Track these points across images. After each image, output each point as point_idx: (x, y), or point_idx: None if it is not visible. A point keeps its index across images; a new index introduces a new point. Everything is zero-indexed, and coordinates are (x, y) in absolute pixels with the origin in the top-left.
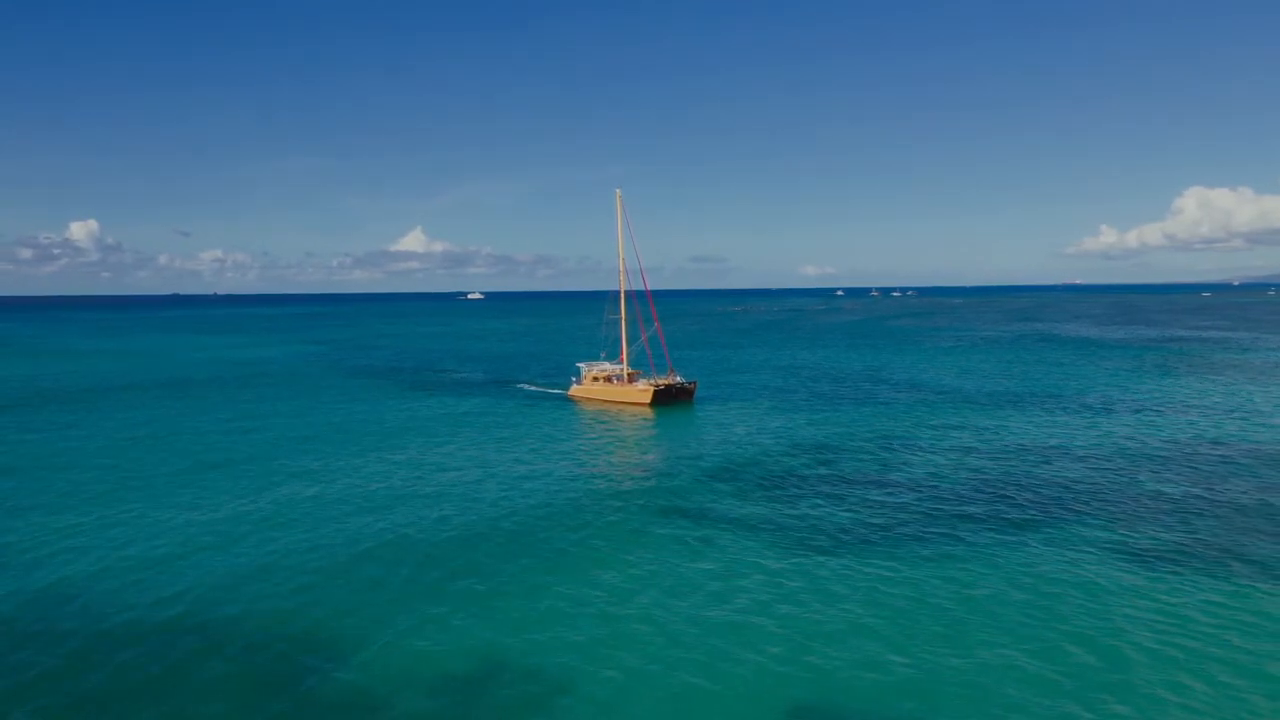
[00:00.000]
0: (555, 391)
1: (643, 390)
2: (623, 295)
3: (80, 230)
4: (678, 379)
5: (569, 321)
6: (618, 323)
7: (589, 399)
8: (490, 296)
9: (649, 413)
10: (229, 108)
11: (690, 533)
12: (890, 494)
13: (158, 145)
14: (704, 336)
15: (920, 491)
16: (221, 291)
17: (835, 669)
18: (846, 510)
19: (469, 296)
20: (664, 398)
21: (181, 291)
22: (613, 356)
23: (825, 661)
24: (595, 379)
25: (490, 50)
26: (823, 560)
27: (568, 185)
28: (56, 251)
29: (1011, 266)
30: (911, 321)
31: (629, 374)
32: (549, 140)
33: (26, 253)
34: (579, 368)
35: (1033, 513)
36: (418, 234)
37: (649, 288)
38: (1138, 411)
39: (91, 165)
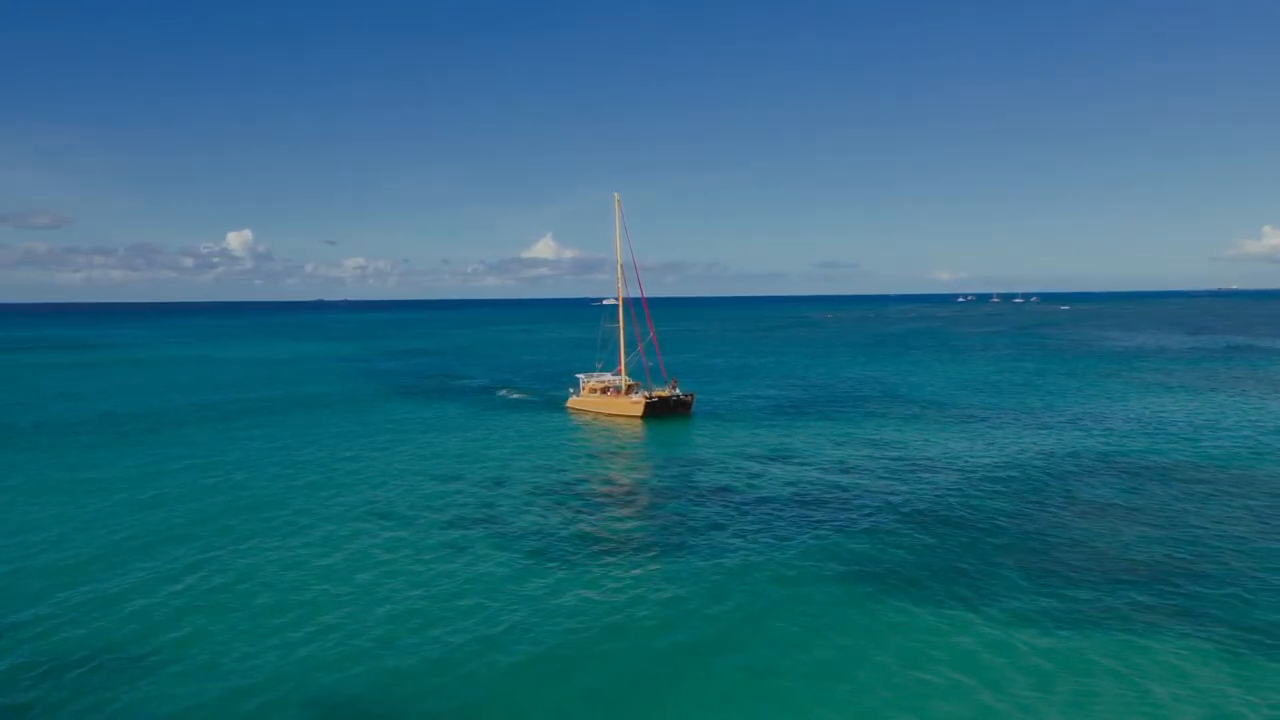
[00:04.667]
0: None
1: (635, 403)
2: (620, 303)
3: (236, 239)
4: (676, 391)
5: (676, 325)
6: (615, 331)
7: (585, 411)
8: (624, 303)
9: (640, 425)
10: (374, 118)
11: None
12: (824, 520)
13: (308, 156)
14: (752, 346)
15: (853, 515)
16: (354, 298)
17: None
18: (766, 543)
19: (604, 302)
20: (658, 410)
21: (325, 298)
22: (610, 366)
23: None
24: (593, 390)
25: (613, 59)
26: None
27: (695, 189)
28: (215, 260)
29: (1158, 271)
30: (1003, 328)
31: (628, 385)
32: (676, 144)
33: (188, 261)
34: (578, 379)
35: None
36: (548, 241)
37: (644, 295)
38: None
39: (247, 175)
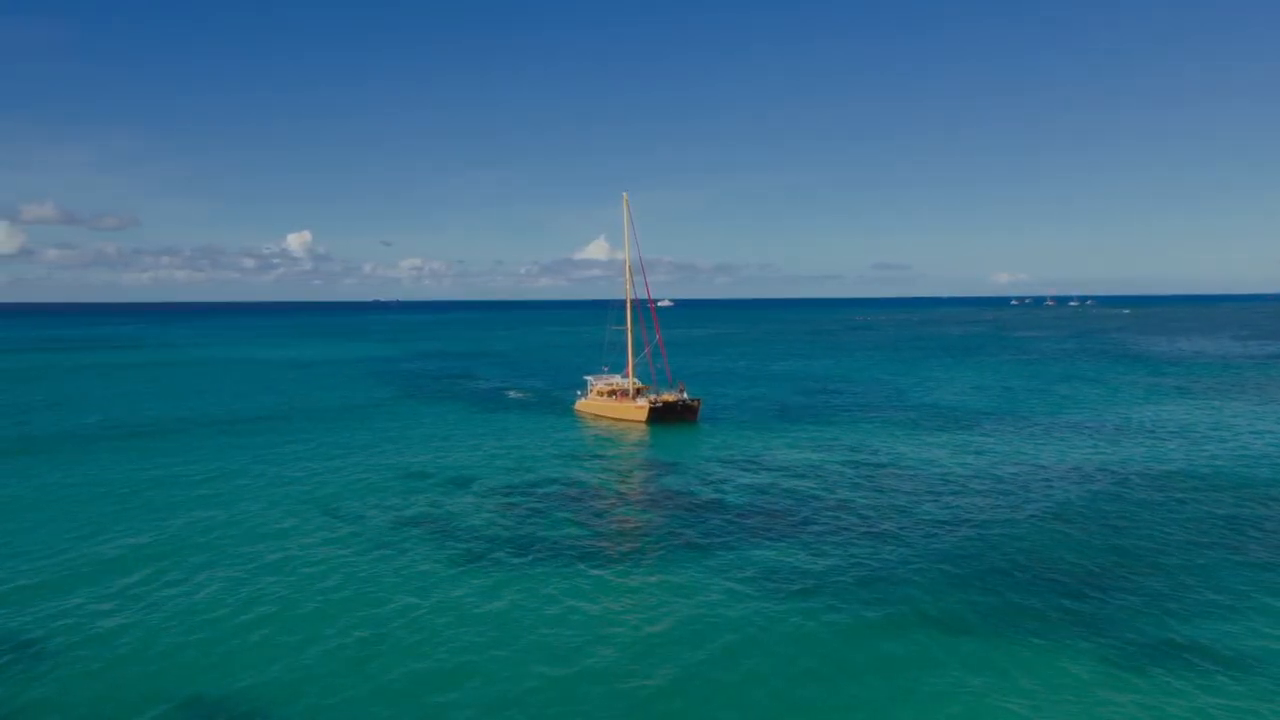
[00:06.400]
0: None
1: (639, 408)
2: (629, 304)
3: (295, 241)
4: (683, 396)
5: (715, 329)
6: (622, 333)
7: (591, 414)
8: (680, 304)
9: (644, 431)
10: (429, 120)
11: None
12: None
13: (366, 158)
14: (783, 349)
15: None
16: (410, 299)
17: None
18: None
19: (660, 304)
20: (663, 415)
21: (381, 298)
22: (618, 369)
23: None
24: (600, 393)
25: (663, 63)
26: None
27: (746, 190)
28: (275, 261)
29: (1226, 274)
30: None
31: (636, 388)
32: (727, 145)
33: (250, 262)
34: (587, 380)
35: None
36: (601, 243)
37: (651, 296)
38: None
39: (307, 178)
